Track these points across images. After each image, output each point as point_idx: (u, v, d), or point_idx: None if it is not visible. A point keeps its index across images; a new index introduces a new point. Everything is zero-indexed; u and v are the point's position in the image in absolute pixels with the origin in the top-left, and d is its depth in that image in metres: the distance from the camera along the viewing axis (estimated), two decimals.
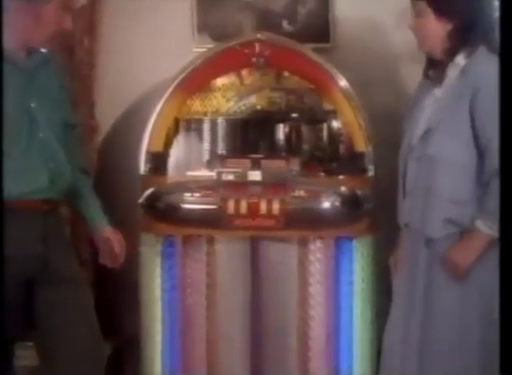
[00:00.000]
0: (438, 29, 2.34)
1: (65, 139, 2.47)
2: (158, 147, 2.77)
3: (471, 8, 2.36)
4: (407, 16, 2.53)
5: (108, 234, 2.53)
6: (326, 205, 2.66)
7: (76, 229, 2.82)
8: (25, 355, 2.70)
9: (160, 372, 2.83)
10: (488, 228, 2.27)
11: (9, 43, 2.31)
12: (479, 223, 2.28)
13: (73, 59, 3.05)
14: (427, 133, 2.36)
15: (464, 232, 2.33)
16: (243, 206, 2.64)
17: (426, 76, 2.47)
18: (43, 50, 2.44)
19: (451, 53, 2.34)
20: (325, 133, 2.88)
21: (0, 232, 2.20)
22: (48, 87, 2.42)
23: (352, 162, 2.75)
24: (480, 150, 2.29)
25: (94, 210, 2.57)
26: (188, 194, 2.71)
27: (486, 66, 2.28)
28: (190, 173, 2.82)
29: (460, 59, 2.32)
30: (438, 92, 2.39)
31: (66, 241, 2.51)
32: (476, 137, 2.28)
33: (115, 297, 3.12)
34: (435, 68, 2.43)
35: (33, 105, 2.33)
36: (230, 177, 2.70)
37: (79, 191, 2.55)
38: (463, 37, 2.32)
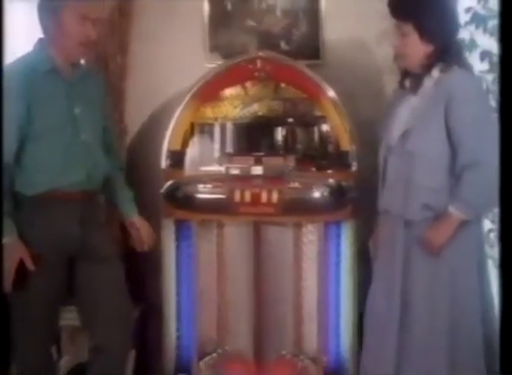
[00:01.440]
0: (420, 48, 2.48)
1: (104, 140, 2.67)
2: (177, 146, 2.92)
3: (449, 33, 2.50)
4: (385, 39, 2.80)
5: (138, 223, 2.76)
6: (317, 194, 2.81)
7: (109, 213, 2.89)
8: (69, 317, 2.93)
9: (175, 332, 2.98)
10: (459, 212, 2.43)
11: (57, 59, 2.50)
12: (451, 208, 2.43)
13: (107, 73, 3.17)
14: (406, 132, 2.48)
15: (438, 216, 2.47)
16: (247, 196, 2.79)
17: (402, 85, 2.60)
18: (86, 64, 2.63)
19: (428, 68, 2.49)
20: (316, 135, 3.03)
21: None
22: (90, 95, 2.59)
23: (338, 159, 2.87)
24: (452, 147, 2.43)
25: (127, 202, 2.76)
26: (201, 186, 2.86)
27: (458, 78, 2.46)
28: (203, 168, 2.96)
29: (436, 72, 2.48)
30: (414, 99, 2.52)
31: (102, 224, 2.69)
32: (449, 136, 2.43)
33: (142, 270, 3.18)
34: (410, 79, 2.56)
35: (76, 110, 2.51)
36: (236, 172, 2.85)
37: (115, 185, 2.75)
38: (440, 56, 2.47)
